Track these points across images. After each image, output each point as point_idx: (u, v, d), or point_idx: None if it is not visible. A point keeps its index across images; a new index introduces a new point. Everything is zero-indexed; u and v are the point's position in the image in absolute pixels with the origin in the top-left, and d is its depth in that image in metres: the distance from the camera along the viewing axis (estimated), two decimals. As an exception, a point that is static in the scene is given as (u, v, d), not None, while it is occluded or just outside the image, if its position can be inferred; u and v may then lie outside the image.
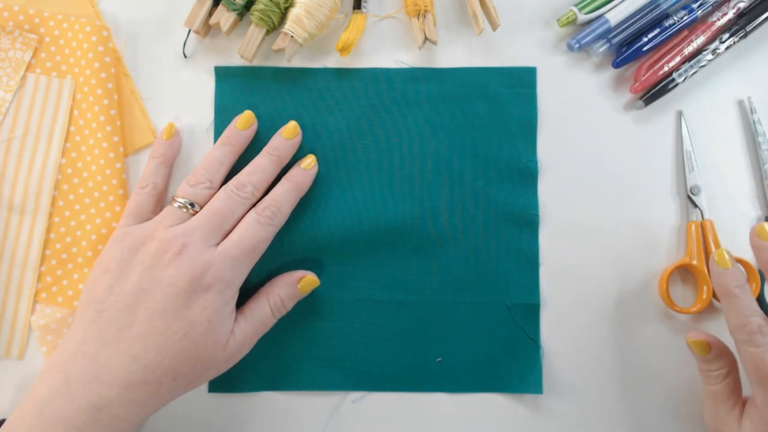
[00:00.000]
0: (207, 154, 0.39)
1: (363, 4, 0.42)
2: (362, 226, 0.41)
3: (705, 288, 0.41)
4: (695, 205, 0.42)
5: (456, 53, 0.43)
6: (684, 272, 0.42)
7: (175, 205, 0.37)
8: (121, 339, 0.33)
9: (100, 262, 0.35)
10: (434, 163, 0.42)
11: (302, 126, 0.42)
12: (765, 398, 0.33)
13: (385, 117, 0.42)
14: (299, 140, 0.40)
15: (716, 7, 0.43)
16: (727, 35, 0.43)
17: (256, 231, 0.36)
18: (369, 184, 0.42)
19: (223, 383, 0.41)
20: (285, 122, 0.42)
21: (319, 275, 0.41)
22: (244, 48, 0.41)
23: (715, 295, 0.41)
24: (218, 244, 0.36)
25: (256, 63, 0.43)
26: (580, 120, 0.43)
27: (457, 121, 0.42)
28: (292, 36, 0.41)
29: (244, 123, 0.39)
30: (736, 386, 0.36)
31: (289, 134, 0.40)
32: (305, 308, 0.41)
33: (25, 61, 0.42)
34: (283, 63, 0.43)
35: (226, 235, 0.36)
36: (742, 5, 0.42)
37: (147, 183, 0.38)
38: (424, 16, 0.41)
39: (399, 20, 0.44)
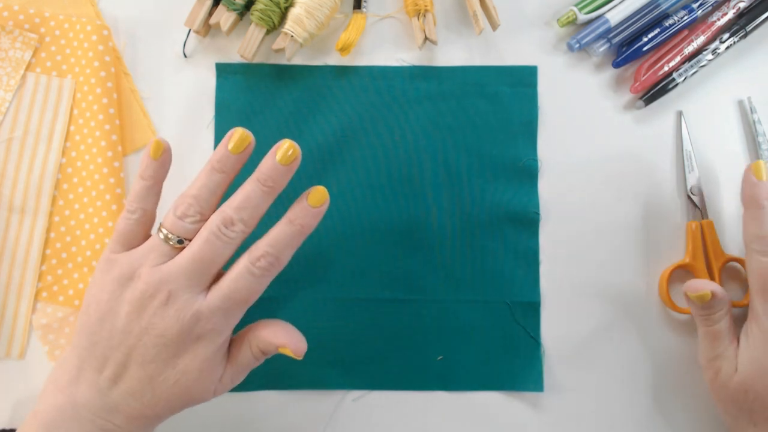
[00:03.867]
0: (197, 177, 0.33)
1: (363, 4, 0.42)
2: (362, 224, 0.41)
3: (705, 288, 0.41)
4: (695, 205, 0.42)
5: (456, 53, 0.43)
6: (684, 272, 0.42)
7: (161, 236, 0.33)
8: (119, 377, 0.33)
9: (90, 287, 0.34)
10: (435, 161, 0.42)
11: (302, 123, 0.42)
12: (765, 307, 0.34)
13: (385, 115, 0.42)
14: (297, 164, 0.33)
15: (716, 7, 0.43)
16: (727, 35, 0.43)
17: (248, 284, 0.32)
18: (369, 183, 0.42)
19: (224, 383, 0.41)
20: (285, 121, 0.42)
21: (319, 275, 0.41)
22: (244, 48, 0.41)
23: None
24: (208, 287, 0.33)
25: (256, 62, 0.43)
26: (580, 120, 0.43)
27: (458, 119, 0.42)
28: (292, 36, 0.41)
29: (239, 146, 0.33)
30: (732, 324, 0.37)
31: (284, 159, 0.32)
32: (305, 308, 0.41)
33: (25, 61, 0.42)
34: (284, 62, 0.43)
35: (216, 275, 0.33)
36: (742, 5, 0.42)
37: (135, 208, 0.34)
38: (424, 16, 0.41)
39: (399, 20, 0.44)
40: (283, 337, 0.34)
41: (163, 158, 0.34)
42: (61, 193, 0.42)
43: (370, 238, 0.41)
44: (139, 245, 0.34)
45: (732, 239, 0.42)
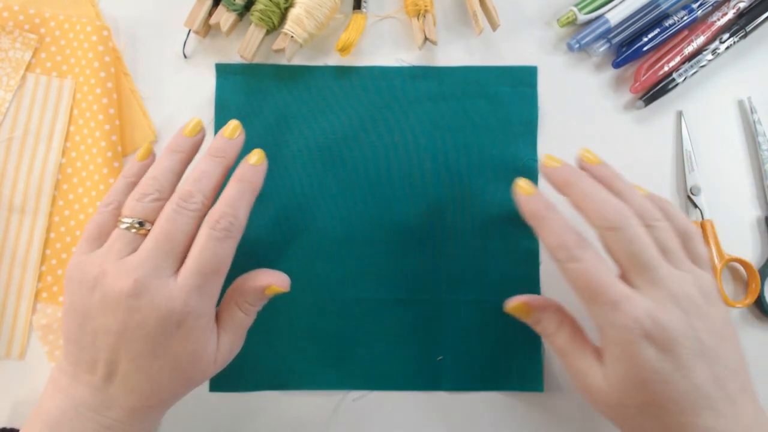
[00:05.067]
0: (155, 163, 0.35)
1: (363, 4, 0.42)
2: (362, 224, 0.41)
3: (705, 288, 0.41)
4: (695, 205, 0.42)
5: (456, 53, 0.43)
6: (684, 272, 0.42)
7: (123, 226, 0.32)
8: (113, 375, 0.32)
9: (65, 294, 0.33)
10: (435, 161, 0.42)
11: (302, 124, 0.42)
12: (602, 317, 0.31)
13: (385, 115, 0.42)
14: (243, 139, 0.36)
15: (716, 7, 0.43)
16: (727, 35, 0.43)
17: (215, 250, 0.32)
18: (369, 183, 0.42)
19: (224, 383, 0.41)
20: (285, 120, 0.42)
21: (319, 275, 0.41)
22: (244, 48, 0.41)
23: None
24: (177, 269, 0.32)
25: (256, 62, 0.43)
26: (580, 120, 0.43)
27: (458, 119, 0.42)
28: (292, 36, 0.41)
29: (192, 130, 0.35)
30: (577, 331, 0.34)
31: (231, 134, 0.35)
32: (305, 308, 0.41)
33: (25, 61, 0.42)
34: (284, 63, 0.43)
35: (184, 254, 0.32)
36: (742, 5, 0.42)
37: (111, 200, 0.34)
38: (424, 16, 0.41)
39: (399, 20, 0.44)
40: (264, 278, 0.35)
41: (148, 161, 0.36)
42: (61, 193, 0.42)
43: (370, 238, 0.41)
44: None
45: (732, 239, 0.42)
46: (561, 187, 0.34)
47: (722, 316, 0.32)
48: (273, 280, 0.35)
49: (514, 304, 0.36)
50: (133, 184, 0.35)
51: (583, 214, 0.33)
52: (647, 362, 0.29)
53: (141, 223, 0.33)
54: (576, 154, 0.36)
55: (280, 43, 0.41)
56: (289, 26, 0.41)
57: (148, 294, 0.31)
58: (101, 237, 0.34)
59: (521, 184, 0.34)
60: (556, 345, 0.35)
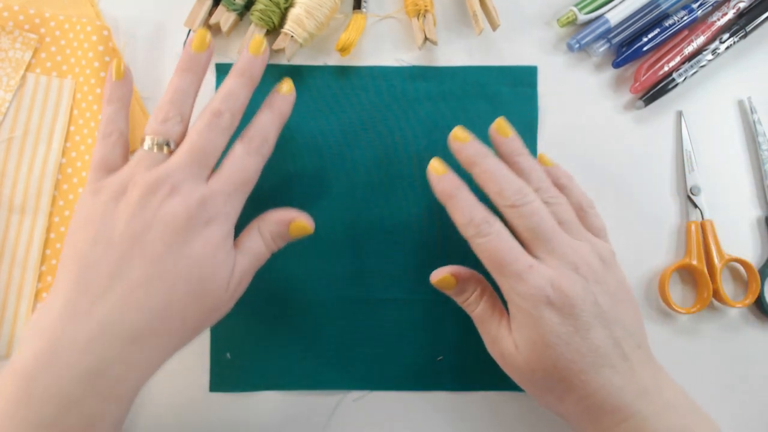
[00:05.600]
0: (168, 84, 0.35)
1: (363, 4, 0.42)
2: (362, 224, 0.41)
3: (705, 288, 0.41)
4: (695, 205, 0.42)
5: (456, 53, 0.43)
6: (684, 272, 0.42)
7: (146, 146, 0.33)
8: (116, 289, 0.29)
9: (76, 220, 0.32)
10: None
11: (302, 124, 0.42)
12: (509, 287, 0.33)
13: (385, 115, 0.42)
14: (267, 56, 0.36)
15: (716, 7, 0.43)
16: (727, 35, 0.43)
17: (245, 163, 0.34)
18: (369, 183, 0.42)
19: (224, 382, 0.41)
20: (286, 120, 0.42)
21: (319, 274, 0.41)
22: (244, 47, 0.41)
23: (715, 295, 0.41)
24: (207, 179, 0.33)
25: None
26: (580, 120, 0.43)
27: (458, 119, 0.42)
28: (292, 36, 0.41)
29: (200, 44, 0.35)
30: (495, 301, 0.36)
31: (255, 50, 0.36)
32: (305, 308, 0.41)
33: (25, 61, 0.42)
34: (284, 63, 0.43)
35: (212, 170, 0.34)
36: (742, 5, 0.42)
37: (110, 130, 0.35)
38: (424, 16, 0.41)
39: (399, 20, 0.44)
40: (292, 213, 0.36)
41: (126, 78, 0.36)
42: (61, 193, 0.42)
43: (370, 237, 0.41)
44: (120, 169, 0.33)
45: (732, 239, 0.42)
46: (467, 166, 0.36)
47: (619, 281, 0.34)
48: (299, 216, 0.36)
49: (440, 276, 0.37)
50: (125, 107, 0.36)
51: (486, 192, 0.35)
52: (550, 326, 0.32)
53: (167, 143, 0.33)
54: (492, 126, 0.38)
55: (280, 42, 0.41)
56: (289, 26, 0.41)
57: (182, 193, 0.31)
58: (110, 167, 0.34)
59: (434, 164, 0.36)
60: (475, 314, 0.37)
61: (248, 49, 0.36)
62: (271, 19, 0.41)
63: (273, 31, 0.42)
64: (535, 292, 0.32)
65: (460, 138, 0.36)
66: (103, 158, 0.34)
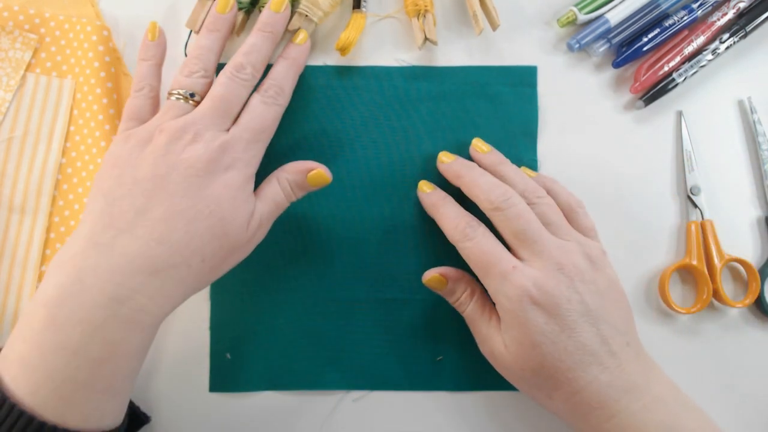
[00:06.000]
0: (194, 43, 0.38)
1: (363, 3, 0.42)
2: (362, 224, 0.41)
3: (705, 288, 0.41)
4: (695, 205, 0.42)
5: (456, 53, 0.43)
6: (684, 272, 0.42)
7: (173, 98, 0.36)
8: (139, 223, 0.31)
9: (105, 164, 0.34)
10: (435, 161, 0.42)
11: (302, 124, 0.42)
12: (495, 288, 0.34)
13: (385, 115, 0.42)
14: (289, 11, 0.39)
15: (716, 7, 0.43)
16: (727, 35, 0.43)
17: (263, 112, 0.36)
18: (369, 183, 0.42)
19: (224, 382, 0.41)
20: (284, 121, 0.42)
21: (318, 275, 0.41)
22: None
23: (716, 295, 0.41)
24: (228, 129, 0.35)
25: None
26: (580, 120, 0.43)
27: (458, 119, 0.42)
28: (306, 15, 0.40)
29: (224, 6, 0.38)
30: (485, 301, 0.37)
31: (277, 6, 0.38)
32: (305, 308, 0.41)
33: (25, 61, 0.42)
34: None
35: (234, 120, 0.36)
36: (742, 5, 0.42)
37: (143, 85, 0.37)
38: (424, 16, 0.41)
39: (399, 20, 0.44)
40: (311, 163, 0.37)
41: (159, 39, 0.39)
42: (61, 193, 0.42)
43: (370, 237, 0.41)
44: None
45: (732, 239, 0.42)
46: (454, 180, 0.39)
47: (608, 280, 0.35)
48: (317, 166, 0.37)
49: (430, 275, 0.38)
50: (156, 65, 0.38)
51: (474, 201, 0.37)
52: (536, 326, 0.32)
53: (192, 95, 0.36)
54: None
55: (295, 23, 0.41)
56: (303, 5, 0.40)
57: (204, 139, 0.33)
58: (142, 119, 0.36)
59: (421, 186, 0.40)
60: (466, 314, 0.38)
61: (270, 5, 0.38)
62: None
63: (287, 21, 0.41)
64: (519, 292, 0.33)
65: (444, 160, 0.39)
66: (134, 109, 0.36)
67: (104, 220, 0.31)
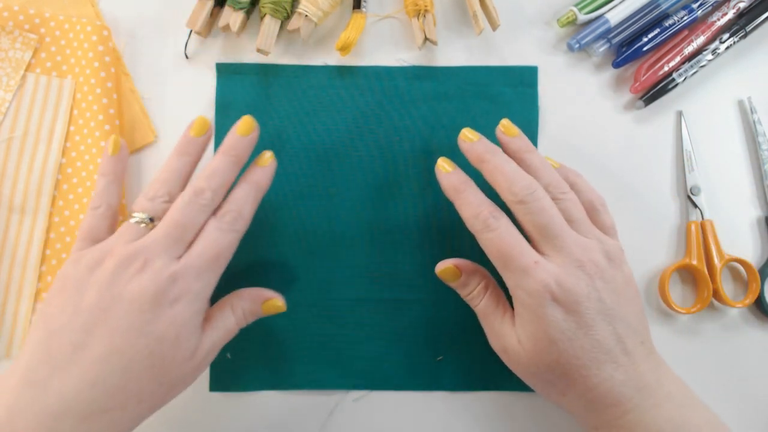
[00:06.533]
0: (164, 164, 0.36)
1: (363, 3, 0.42)
2: (362, 224, 0.41)
3: (705, 288, 0.41)
4: (695, 205, 0.42)
5: (456, 53, 0.43)
6: (684, 272, 0.42)
7: (133, 220, 0.34)
8: (75, 362, 0.30)
9: (53, 287, 0.33)
10: (434, 161, 0.42)
11: (302, 123, 0.42)
12: (514, 282, 0.34)
13: (385, 115, 0.42)
14: (256, 136, 0.37)
15: (716, 7, 0.43)
16: (727, 35, 0.43)
17: (218, 240, 0.34)
18: (369, 183, 0.42)
19: (224, 383, 0.41)
20: (285, 120, 0.42)
21: (319, 274, 0.41)
22: (263, 42, 0.40)
23: (715, 295, 0.41)
24: (181, 256, 0.33)
25: (259, 59, 0.43)
26: (580, 120, 0.43)
27: (458, 120, 0.42)
28: (306, 15, 0.40)
29: (199, 129, 0.36)
30: (499, 296, 0.37)
31: (244, 131, 0.36)
32: (305, 308, 0.41)
33: (25, 61, 0.42)
34: (286, 59, 0.43)
35: (189, 246, 0.34)
36: (742, 5, 0.42)
37: (99, 204, 0.36)
38: (424, 16, 0.41)
39: (399, 20, 0.44)
40: (267, 292, 0.37)
41: (120, 155, 0.38)
42: (60, 193, 0.41)
43: (369, 238, 0.41)
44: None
45: (732, 239, 0.42)
46: (476, 163, 0.37)
47: (625, 279, 0.35)
48: (275, 296, 0.37)
49: (443, 266, 0.37)
50: (116, 182, 0.37)
51: (496, 188, 0.35)
52: (554, 322, 0.32)
53: (151, 219, 0.34)
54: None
55: (294, 23, 0.41)
56: (303, 5, 0.40)
57: (152, 268, 0.32)
58: (96, 239, 0.35)
59: (441, 163, 0.37)
60: (478, 309, 0.37)
61: (237, 130, 0.36)
62: (285, 8, 0.41)
63: (286, 20, 0.42)
64: (539, 287, 0.32)
65: (468, 138, 0.37)
66: (89, 229, 0.35)
67: (41, 355, 0.30)
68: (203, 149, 0.37)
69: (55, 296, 0.32)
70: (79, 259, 0.33)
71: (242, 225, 0.35)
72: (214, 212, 0.35)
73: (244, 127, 0.36)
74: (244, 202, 0.35)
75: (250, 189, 0.36)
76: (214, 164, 0.35)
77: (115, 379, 0.30)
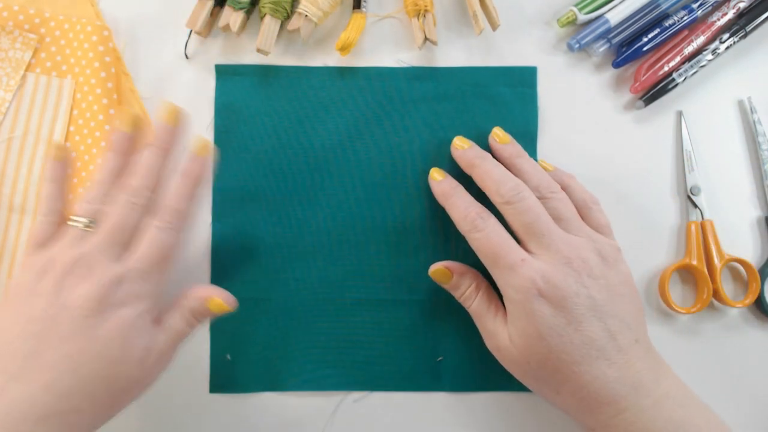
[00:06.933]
0: (98, 165, 0.35)
1: (363, 3, 0.42)
2: (362, 225, 0.41)
3: (705, 288, 0.41)
4: (695, 205, 0.42)
5: (456, 53, 0.43)
6: (684, 272, 0.42)
7: (73, 224, 0.34)
8: (29, 369, 0.30)
9: (9, 291, 0.34)
10: (435, 162, 0.42)
11: (302, 124, 0.42)
12: (503, 279, 0.34)
13: (385, 116, 0.42)
14: (183, 124, 0.37)
15: (716, 7, 0.43)
16: (727, 35, 0.43)
17: (160, 239, 0.34)
18: (369, 183, 0.42)
19: (224, 383, 0.41)
20: (285, 121, 0.42)
21: (319, 275, 0.41)
22: (263, 41, 0.40)
23: (716, 295, 0.41)
24: (124, 257, 0.34)
25: (259, 60, 0.43)
26: (580, 120, 0.43)
27: (458, 120, 0.42)
28: (306, 15, 0.40)
29: (130, 124, 0.36)
30: (491, 296, 0.38)
31: (169, 120, 0.36)
32: (305, 309, 0.41)
33: (25, 61, 0.42)
34: (286, 59, 0.43)
35: (130, 244, 0.34)
36: (742, 5, 0.42)
37: (48, 210, 0.35)
38: (424, 16, 0.41)
39: (399, 20, 0.44)
40: (210, 291, 0.36)
41: (66, 160, 0.37)
42: (61, 193, 0.41)
43: (369, 238, 0.41)
44: None
45: (732, 239, 0.42)
46: (467, 169, 0.38)
47: (620, 277, 0.35)
48: (217, 294, 0.36)
49: (435, 268, 0.38)
50: (60, 188, 0.36)
51: (485, 192, 0.37)
52: (542, 318, 0.33)
53: (92, 222, 0.34)
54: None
55: (294, 23, 0.41)
56: (303, 5, 0.40)
57: (95, 273, 0.32)
58: (42, 244, 0.35)
59: (433, 173, 0.39)
60: (471, 309, 0.38)
61: (162, 118, 0.36)
62: (285, 8, 0.41)
63: (286, 20, 0.42)
64: (526, 283, 0.33)
65: (460, 145, 0.39)
66: (37, 235, 0.35)
67: None
68: (136, 146, 0.37)
69: (10, 303, 0.33)
70: (28, 266, 0.34)
71: (181, 221, 0.35)
72: (154, 211, 0.35)
73: (170, 116, 0.36)
74: (180, 198, 0.35)
75: (186, 183, 0.36)
76: (144, 160, 0.35)
77: (66, 382, 0.31)
